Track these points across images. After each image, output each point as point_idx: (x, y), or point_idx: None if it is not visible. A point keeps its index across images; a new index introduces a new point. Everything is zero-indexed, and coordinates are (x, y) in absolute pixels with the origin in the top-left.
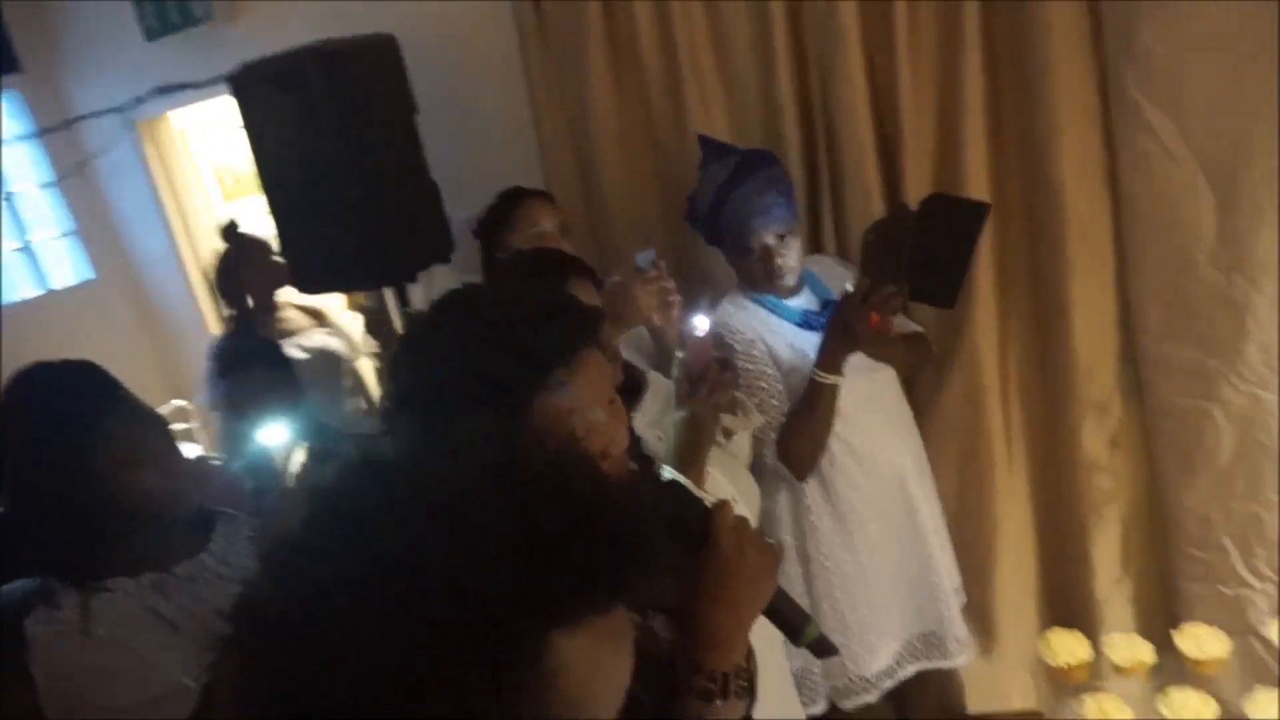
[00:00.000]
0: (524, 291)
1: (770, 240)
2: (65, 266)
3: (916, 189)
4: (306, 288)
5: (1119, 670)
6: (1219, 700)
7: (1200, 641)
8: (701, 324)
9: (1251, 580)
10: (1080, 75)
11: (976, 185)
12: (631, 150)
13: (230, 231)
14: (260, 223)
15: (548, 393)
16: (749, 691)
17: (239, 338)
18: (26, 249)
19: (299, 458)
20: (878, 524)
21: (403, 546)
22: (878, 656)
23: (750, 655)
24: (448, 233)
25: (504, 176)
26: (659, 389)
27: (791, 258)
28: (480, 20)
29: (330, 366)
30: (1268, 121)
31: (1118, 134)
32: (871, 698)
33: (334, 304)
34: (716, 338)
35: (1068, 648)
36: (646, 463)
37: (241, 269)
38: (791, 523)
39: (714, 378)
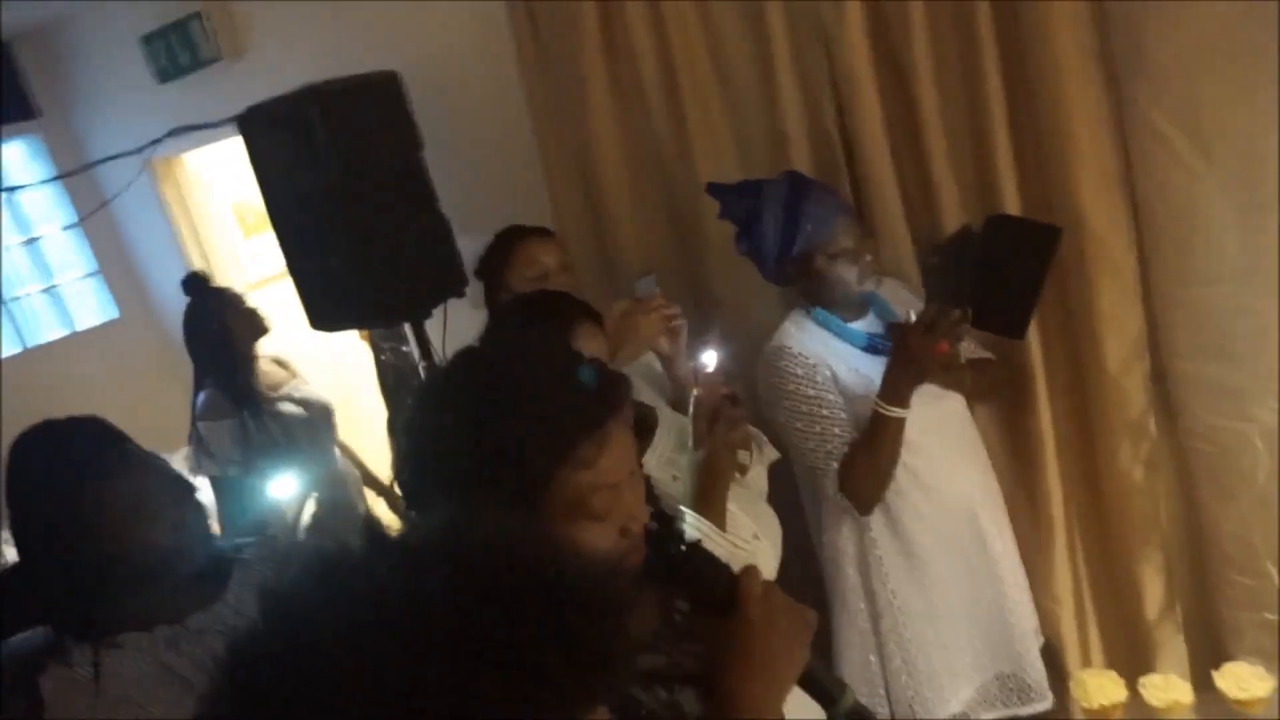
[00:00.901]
0: (546, 354)
1: (854, 242)
2: (90, 306)
3: (950, 212)
4: (319, 326)
5: (1157, 711)
6: None
7: (1241, 680)
8: (710, 359)
9: None
10: (1094, 93)
11: (1008, 206)
12: (636, 176)
13: (195, 283)
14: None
15: (571, 469)
16: None
17: (229, 389)
18: (51, 290)
19: (310, 509)
20: (947, 558)
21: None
22: (949, 702)
23: None
24: (460, 267)
25: (513, 206)
26: (670, 425)
27: (876, 260)
28: (482, 53)
29: (323, 418)
30: None
31: (1133, 150)
32: None
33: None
34: (725, 373)
35: (1100, 688)
36: (666, 522)
37: (227, 318)
38: (856, 557)
39: (726, 414)
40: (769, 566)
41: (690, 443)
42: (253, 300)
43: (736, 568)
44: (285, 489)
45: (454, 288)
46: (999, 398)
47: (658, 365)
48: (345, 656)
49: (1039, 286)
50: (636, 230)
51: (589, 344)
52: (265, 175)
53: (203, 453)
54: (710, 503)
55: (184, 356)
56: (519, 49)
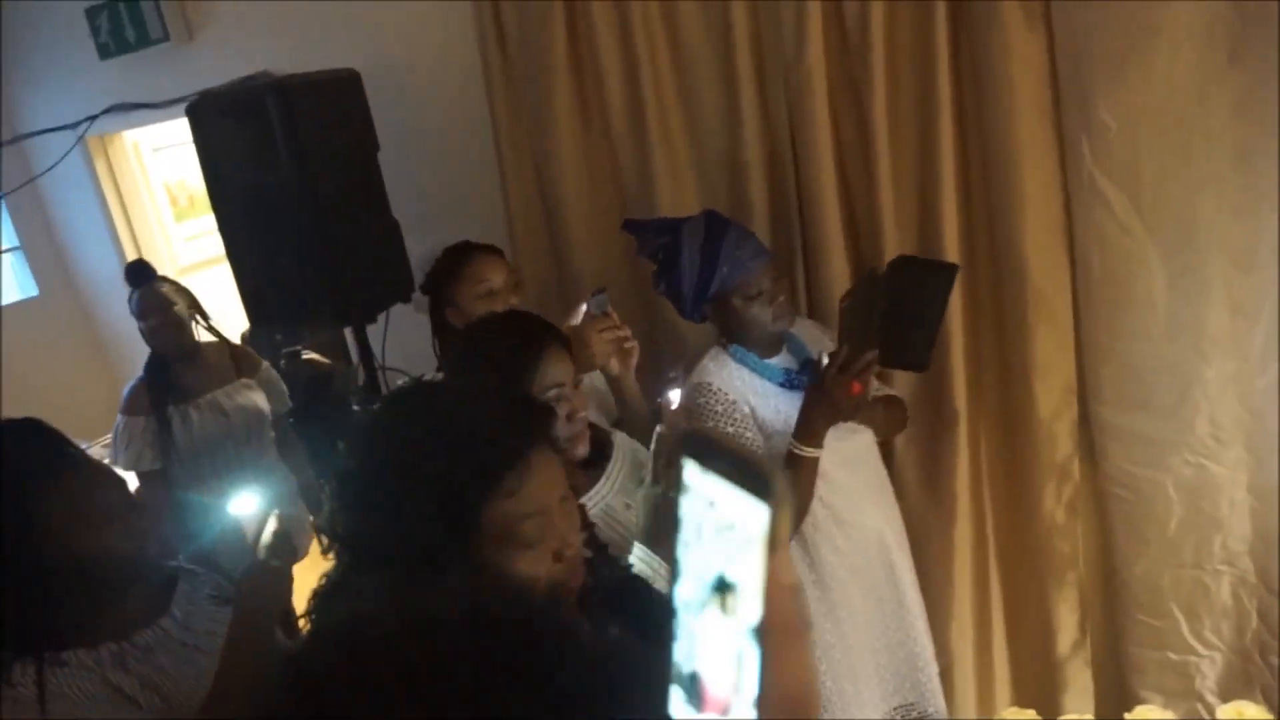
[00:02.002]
0: (474, 389)
1: (769, 283)
2: (8, 283)
3: (893, 254)
4: (259, 323)
5: None
6: None
7: None
8: (675, 397)
9: (1198, 647)
10: (1043, 147)
11: (950, 251)
12: (595, 194)
13: (138, 272)
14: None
15: (499, 499)
16: None
17: (151, 384)
18: None
19: (271, 527)
20: (860, 590)
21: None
22: None
23: None
24: (408, 272)
25: (467, 215)
26: (625, 452)
27: (789, 301)
28: (445, 56)
29: (253, 425)
30: (1217, 196)
31: (1075, 205)
32: None
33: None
34: (689, 411)
35: None
36: (602, 550)
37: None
38: None
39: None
40: None
41: (647, 476)
42: (195, 292)
43: None
44: (245, 506)
45: (400, 293)
46: (900, 431)
47: (600, 383)
48: None
49: (938, 320)
50: (593, 249)
51: (556, 368)
52: (214, 165)
53: (118, 446)
54: (663, 541)
55: (106, 338)
56: (484, 57)
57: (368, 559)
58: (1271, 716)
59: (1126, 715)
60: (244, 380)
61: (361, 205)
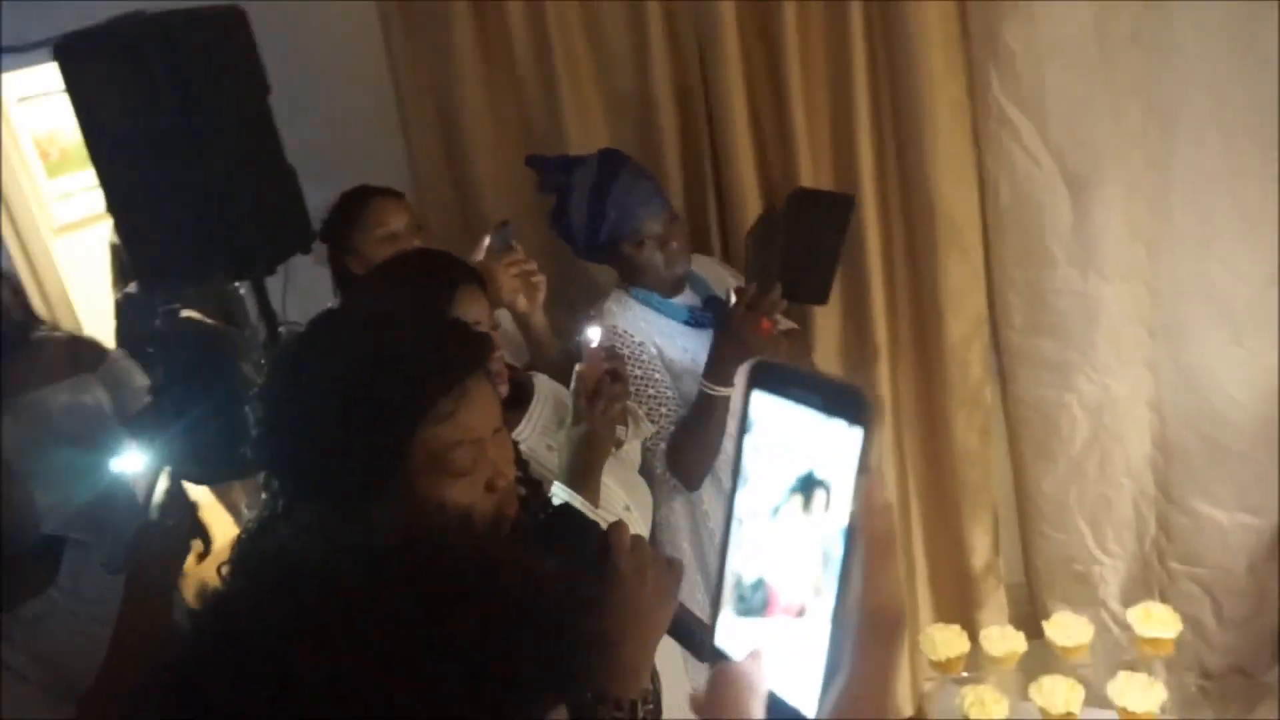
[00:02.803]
0: (407, 313)
1: (660, 227)
2: None
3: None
4: (148, 281)
5: (994, 661)
6: (1085, 684)
7: (1067, 630)
8: (595, 334)
9: (1102, 557)
10: (952, 75)
11: (865, 183)
12: (502, 135)
13: None
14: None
15: (432, 424)
16: (655, 715)
17: None
18: None
19: (163, 484)
20: None
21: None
22: None
23: (655, 677)
24: (307, 222)
25: (368, 162)
26: (546, 394)
27: (684, 243)
28: None
29: (91, 425)
30: (1120, 124)
31: (983, 133)
32: None
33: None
34: (609, 349)
35: (947, 641)
36: (535, 486)
37: None
38: (689, 530)
39: (608, 391)
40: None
41: (569, 417)
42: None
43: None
44: (131, 464)
45: (299, 244)
46: (807, 363)
47: (508, 324)
48: (308, 662)
49: (838, 253)
50: (499, 189)
51: (471, 307)
52: (89, 113)
53: None
54: (585, 480)
55: None
56: (381, 2)
57: (297, 490)
58: (1176, 614)
59: (1045, 623)
60: (81, 376)
61: (253, 151)
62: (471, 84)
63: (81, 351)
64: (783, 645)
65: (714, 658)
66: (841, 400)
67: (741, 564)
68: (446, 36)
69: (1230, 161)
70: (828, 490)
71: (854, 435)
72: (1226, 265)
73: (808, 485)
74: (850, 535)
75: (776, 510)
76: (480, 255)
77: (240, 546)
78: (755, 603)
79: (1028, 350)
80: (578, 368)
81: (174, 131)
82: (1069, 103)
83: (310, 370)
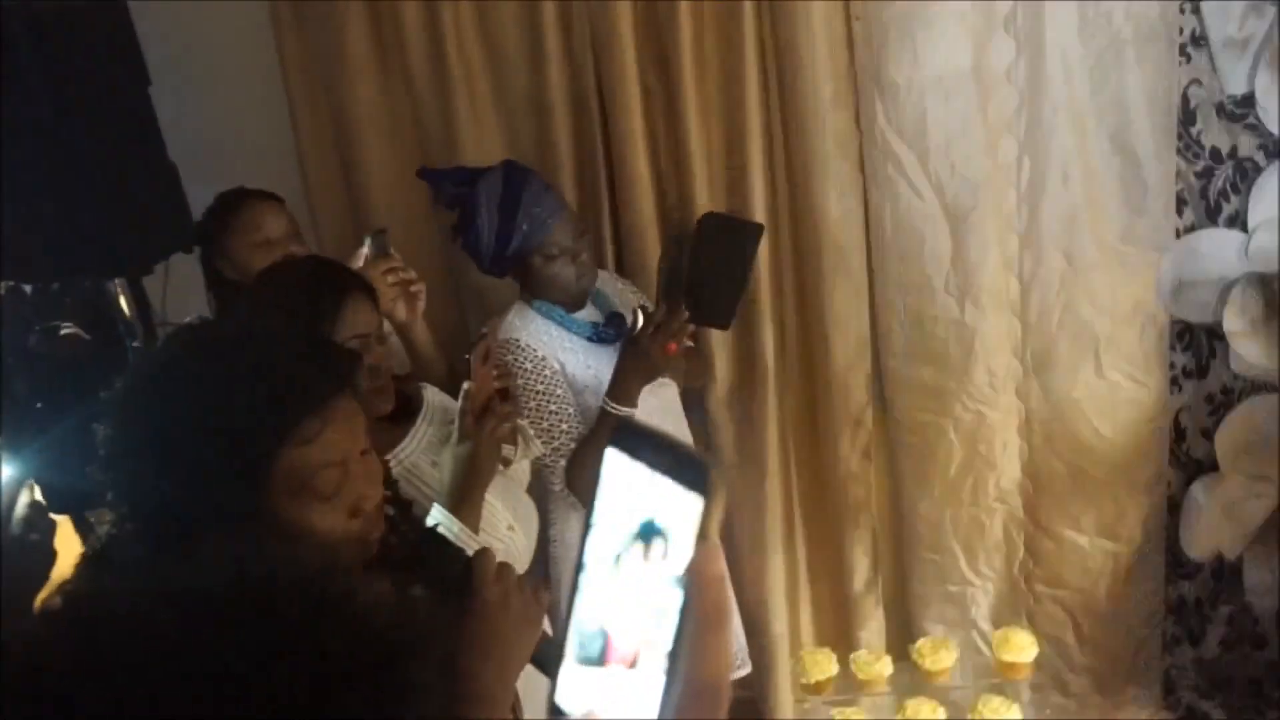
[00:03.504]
0: (269, 330)
1: (570, 240)
2: None
3: (703, 206)
4: (17, 277)
5: (862, 684)
6: (949, 705)
7: (932, 653)
8: (484, 351)
9: (973, 579)
10: (840, 105)
11: (757, 205)
12: (395, 136)
13: None
14: None
15: (294, 446)
16: None
17: None
18: None
19: (24, 498)
20: None
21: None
22: None
23: (516, 705)
24: (188, 219)
25: (255, 159)
26: (434, 408)
27: (591, 256)
28: None
29: None
30: (995, 159)
31: (869, 163)
32: None
33: None
34: (499, 366)
35: (817, 664)
36: (404, 507)
37: None
38: None
39: (497, 410)
40: (522, 558)
41: (454, 434)
42: None
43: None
44: None
45: (180, 242)
46: (703, 383)
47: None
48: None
49: (745, 279)
50: (392, 196)
51: (359, 317)
52: None
53: None
54: (468, 501)
55: None
56: None
57: (146, 516)
58: (1033, 638)
59: (911, 646)
60: None
61: (131, 145)
62: (364, 85)
63: None
64: (616, 698)
65: (552, 715)
66: (688, 469)
67: (584, 612)
68: (339, 36)
69: (1094, 199)
70: (666, 541)
71: (697, 504)
72: (1091, 299)
73: (648, 533)
74: (685, 603)
75: (618, 558)
76: (358, 263)
77: (72, 576)
78: (594, 651)
79: (908, 376)
80: (466, 385)
81: (44, 123)
82: (949, 137)
83: (164, 388)
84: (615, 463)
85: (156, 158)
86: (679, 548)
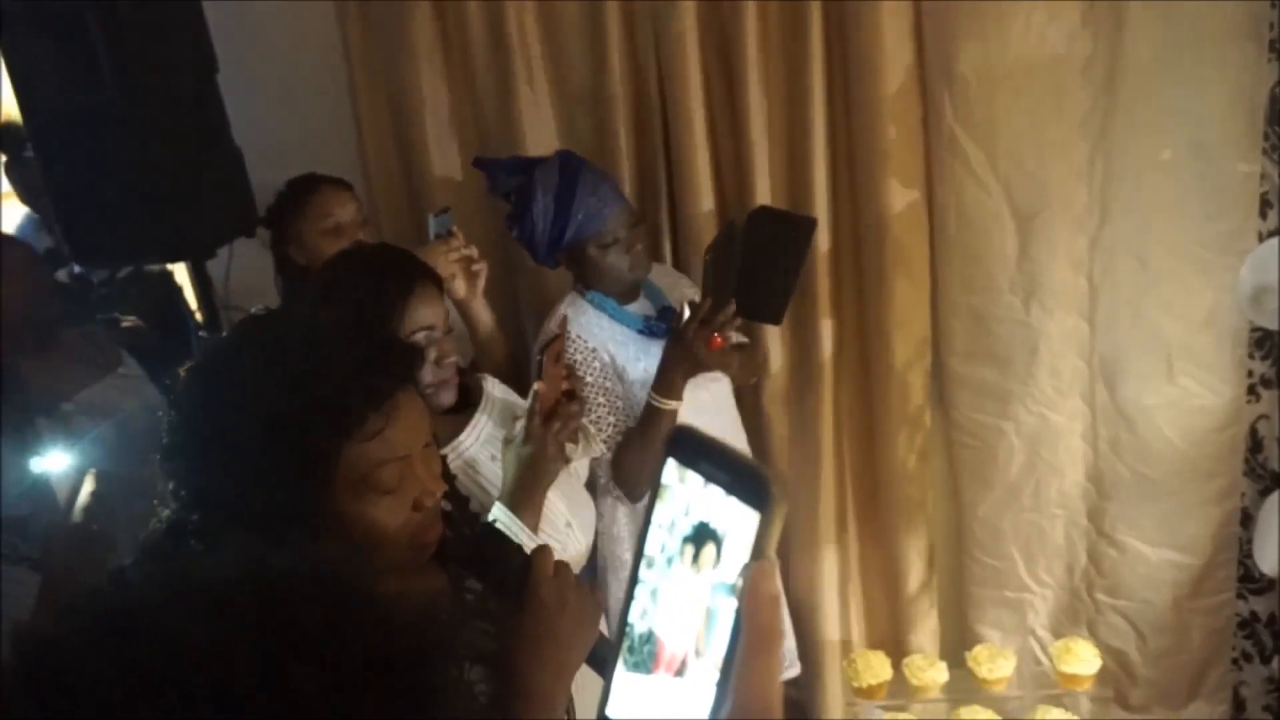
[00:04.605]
0: (333, 323)
1: (625, 230)
2: None
3: (762, 199)
4: (84, 261)
5: (916, 690)
6: (1005, 715)
7: (990, 661)
8: (556, 326)
9: (1033, 585)
10: (906, 100)
11: (818, 201)
12: (457, 134)
13: None
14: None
15: (358, 442)
16: None
17: None
18: None
19: (88, 487)
20: None
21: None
22: None
23: (570, 706)
24: (252, 204)
25: (319, 148)
26: (494, 400)
27: (646, 247)
28: None
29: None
30: (1063, 159)
31: (934, 159)
32: None
33: None
34: (569, 367)
35: (870, 668)
36: (462, 502)
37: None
38: (631, 540)
39: (564, 413)
40: (579, 553)
41: (520, 433)
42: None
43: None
44: (55, 463)
45: (243, 227)
46: (756, 379)
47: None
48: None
49: (797, 275)
50: (452, 184)
51: (427, 309)
52: (27, 87)
53: None
54: (528, 502)
55: None
56: None
57: (207, 510)
58: (1096, 650)
59: (968, 654)
60: (110, 378)
61: (198, 131)
62: (427, 79)
63: (102, 349)
64: (664, 710)
65: None
66: (747, 483)
67: (637, 617)
68: (403, 28)
69: (1170, 200)
70: (719, 546)
71: (753, 519)
72: (1163, 304)
73: (700, 537)
74: (737, 621)
75: (670, 561)
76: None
77: (123, 570)
78: (645, 656)
79: (968, 376)
80: (536, 385)
81: (115, 109)
82: (1018, 134)
83: (228, 382)
84: (672, 473)
85: (222, 142)
86: (732, 556)
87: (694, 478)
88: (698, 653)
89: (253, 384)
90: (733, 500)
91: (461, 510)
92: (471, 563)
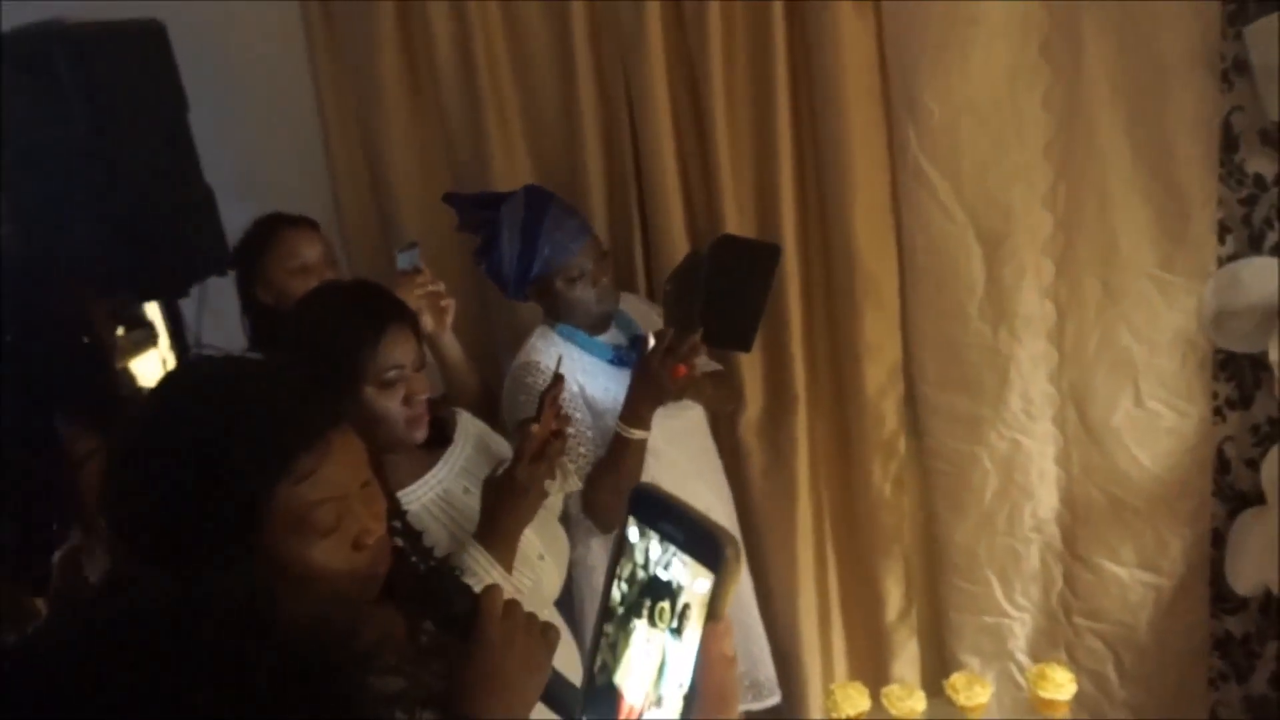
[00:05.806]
0: (268, 363)
1: (592, 263)
2: None
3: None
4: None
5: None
6: None
7: (968, 688)
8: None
9: (1011, 610)
10: (872, 130)
11: (786, 231)
12: (426, 163)
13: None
14: None
15: (290, 484)
16: None
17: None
18: None
19: None
20: None
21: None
22: None
23: None
24: (223, 242)
25: (290, 183)
26: (467, 435)
27: (613, 280)
28: (262, 11)
29: None
30: (1027, 186)
31: (901, 189)
32: None
33: None
34: (515, 391)
35: (848, 699)
36: (415, 538)
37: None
38: (604, 570)
39: (550, 454)
40: (553, 587)
41: (498, 469)
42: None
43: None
44: None
45: (215, 265)
46: (733, 407)
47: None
48: None
49: (763, 302)
50: (423, 221)
51: (399, 348)
52: None
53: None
54: (504, 543)
55: None
56: (305, 16)
57: (144, 550)
58: (1071, 675)
59: (945, 682)
60: None
61: (168, 168)
62: (396, 110)
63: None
64: None
65: None
66: (703, 544)
67: (598, 670)
68: (372, 61)
69: (1132, 226)
70: (673, 602)
71: (707, 581)
72: (1129, 328)
73: (657, 593)
74: (692, 680)
75: (629, 616)
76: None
77: (79, 604)
78: (607, 708)
79: (941, 403)
80: (532, 426)
81: (84, 147)
82: (983, 163)
83: (161, 424)
84: (633, 530)
85: (192, 180)
86: (686, 614)
87: (653, 535)
88: (656, 703)
89: (184, 426)
90: (688, 559)
91: (415, 546)
92: (418, 601)
